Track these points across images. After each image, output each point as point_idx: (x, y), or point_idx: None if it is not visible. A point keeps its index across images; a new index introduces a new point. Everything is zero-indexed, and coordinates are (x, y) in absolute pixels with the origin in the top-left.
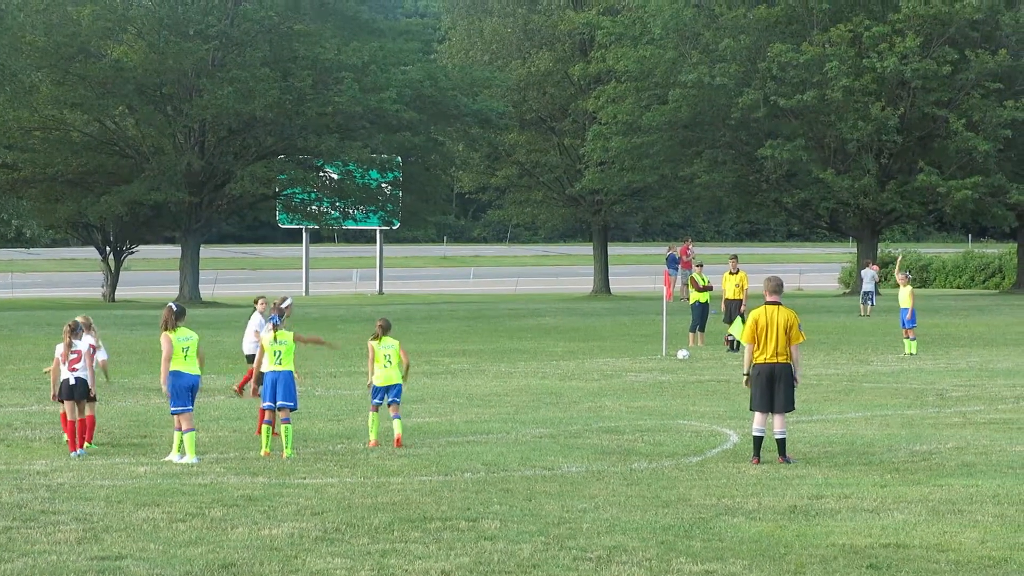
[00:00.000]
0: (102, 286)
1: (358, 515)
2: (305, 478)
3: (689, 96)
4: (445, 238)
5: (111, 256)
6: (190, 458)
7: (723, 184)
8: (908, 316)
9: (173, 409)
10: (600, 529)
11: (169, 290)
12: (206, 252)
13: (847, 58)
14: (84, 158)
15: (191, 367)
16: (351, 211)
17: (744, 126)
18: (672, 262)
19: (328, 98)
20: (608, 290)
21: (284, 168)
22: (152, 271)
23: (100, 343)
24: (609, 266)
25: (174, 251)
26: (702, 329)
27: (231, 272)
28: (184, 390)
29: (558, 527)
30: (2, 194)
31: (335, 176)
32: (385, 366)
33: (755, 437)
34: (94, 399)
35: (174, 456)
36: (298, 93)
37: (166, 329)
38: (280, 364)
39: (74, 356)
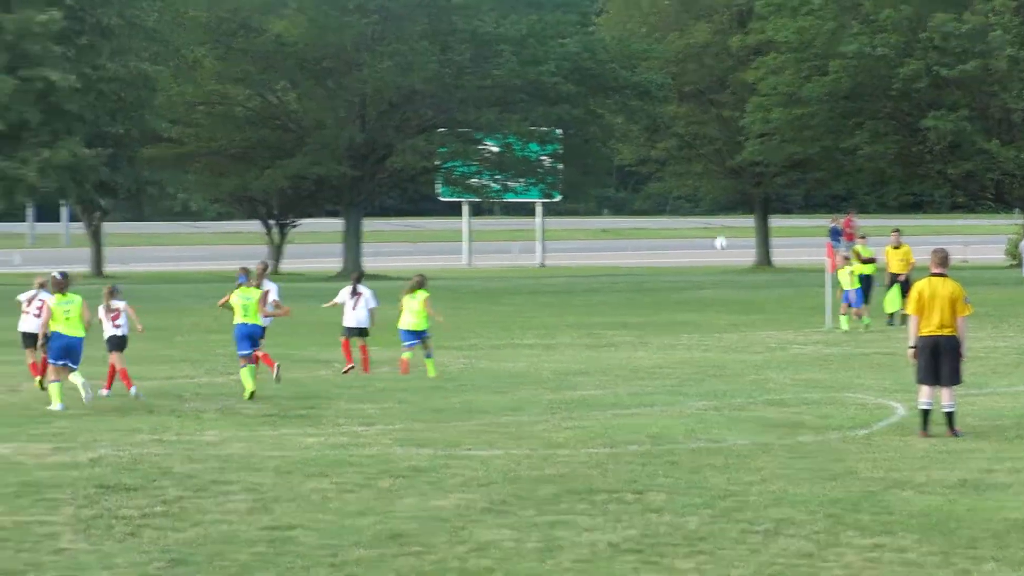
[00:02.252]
0: (267, 258)
1: (525, 487)
2: (471, 449)
3: (850, 67)
4: (605, 210)
5: (275, 229)
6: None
7: (885, 155)
8: None
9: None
10: (767, 502)
11: (332, 262)
12: (368, 225)
13: (1012, 26)
14: (247, 132)
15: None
16: (511, 183)
17: (906, 97)
18: (835, 234)
19: (487, 71)
20: (769, 262)
21: (444, 141)
22: (316, 244)
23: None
24: (770, 238)
25: (337, 224)
26: (867, 302)
27: (393, 245)
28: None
29: (724, 499)
30: (168, 168)
31: (495, 149)
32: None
33: (922, 410)
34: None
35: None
36: (457, 66)
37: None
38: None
39: (113, 314)
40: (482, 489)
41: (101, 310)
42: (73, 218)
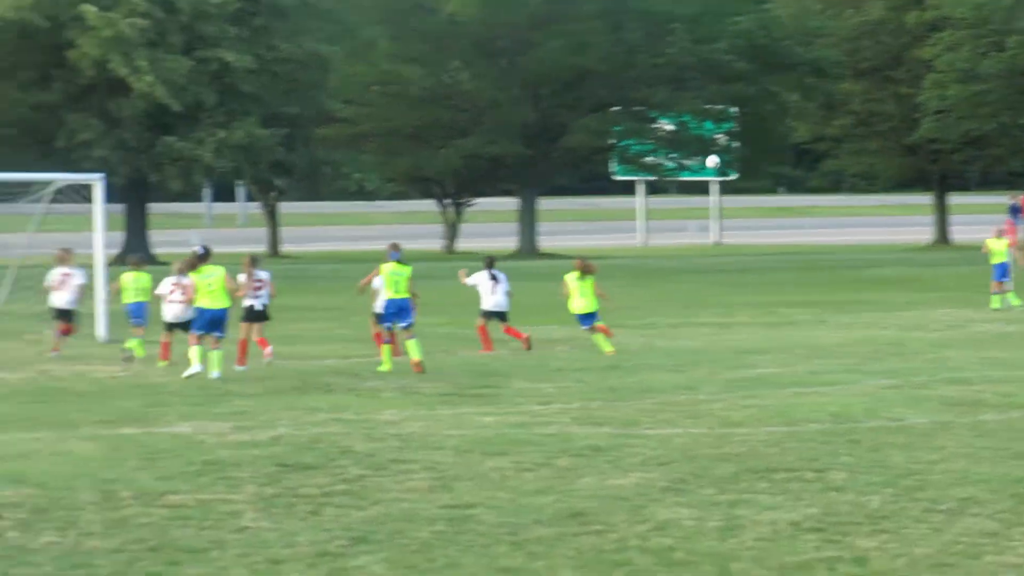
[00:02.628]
0: (442, 238)
1: (703, 465)
2: (649, 428)
3: None
4: (781, 188)
5: (450, 208)
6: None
7: None
8: None
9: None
10: (950, 481)
11: (507, 242)
12: (543, 204)
13: None
14: (421, 112)
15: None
16: (686, 162)
17: None
18: (1015, 211)
19: (660, 49)
20: (946, 240)
21: (618, 120)
22: (490, 223)
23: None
24: (948, 216)
25: (512, 203)
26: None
27: (568, 224)
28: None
29: (907, 478)
30: (343, 148)
31: (669, 127)
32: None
33: None
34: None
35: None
36: (629, 45)
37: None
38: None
39: (257, 284)
40: (661, 468)
41: (242, 278)
42: (249, 198)
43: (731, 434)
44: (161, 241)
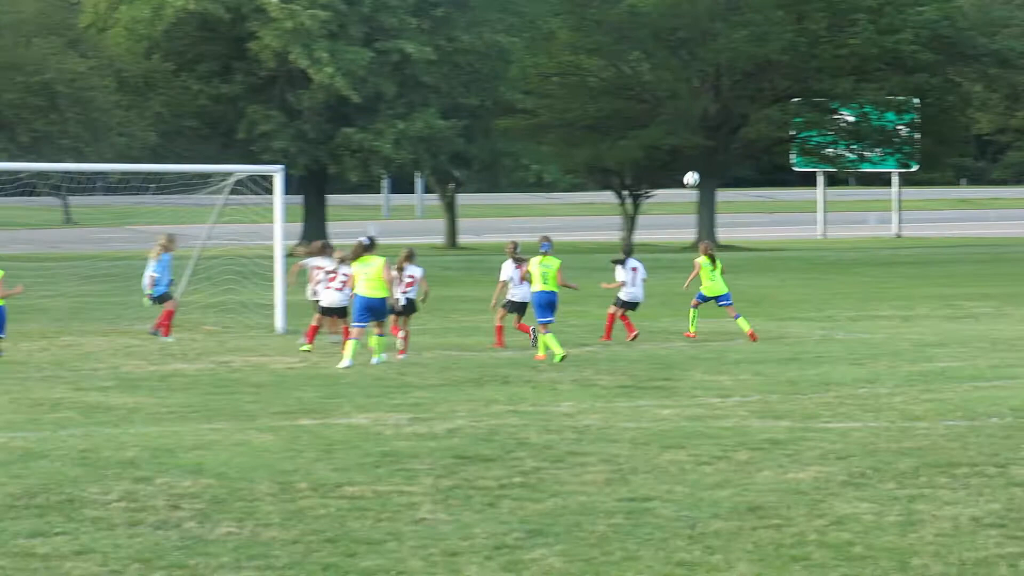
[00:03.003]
0: (619, 229)
1: (884, 460)
2: (828, 422)
3: None
4: (963, 180)
5: (628, 200)
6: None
7: None
8: None
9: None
10: None
11: (685, 234)
12: (722, 196)
13: None
14: (601, 103)
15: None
16: (867, 153)
17: None
18: None
19: (843, 40)
20: None
21: (799, 111)
22: (669, 215)
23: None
24: None
25: (690, 195)
26: None
27: (746, 215)
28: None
29: None
30: (522, 139)
31: (850, 119)
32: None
33: None
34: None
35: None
36: (812, 36)
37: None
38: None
39: (408, 280)
40: (840, 462)
41: (393, 274)
42: (427, 190)
43: (911, 428)
44: (339, 232)
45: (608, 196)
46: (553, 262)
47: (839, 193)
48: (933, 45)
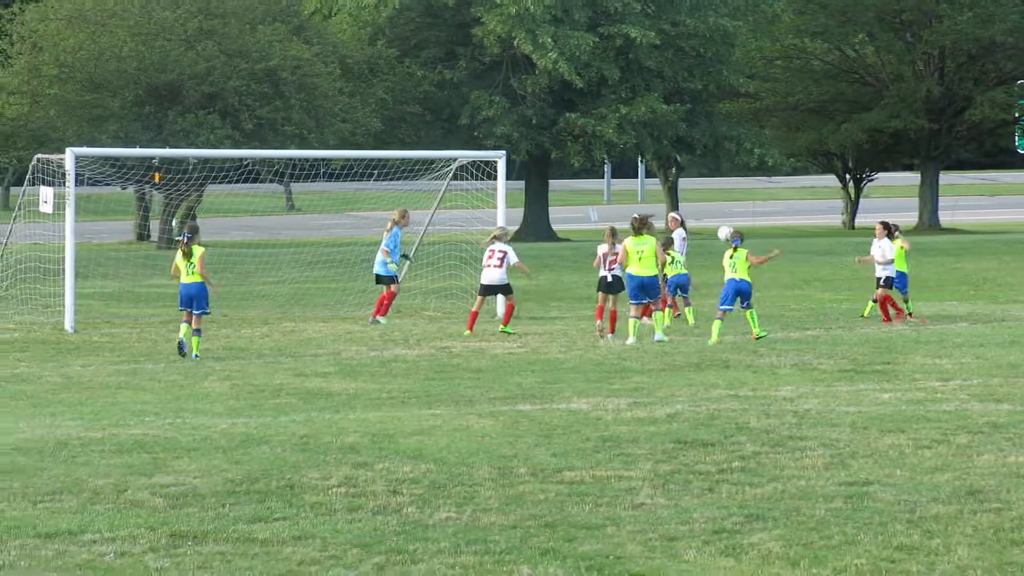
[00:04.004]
0: (842, 213)
1: None
2: None
3: None
4: None
5: (851, 183)
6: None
7: None
8: None
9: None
10: None
11: (907, 217)
12: (944, 179)
13: None
14: (824, 86)
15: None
16: None
17: None
18: None
19: None
20: None
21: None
22: (891, 198)
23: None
24: None
25: (913, 178)
26: None
27: (969, 199)
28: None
29: None
30: (745, 123)
31: None
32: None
33: None
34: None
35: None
36: None
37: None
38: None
39: (613, 257)
40: None
41: (603, 249)
42: (648, 174)
43: None
44: (560, 218)
45: (830, 179)
46: (740, 253)
47: None
48: None
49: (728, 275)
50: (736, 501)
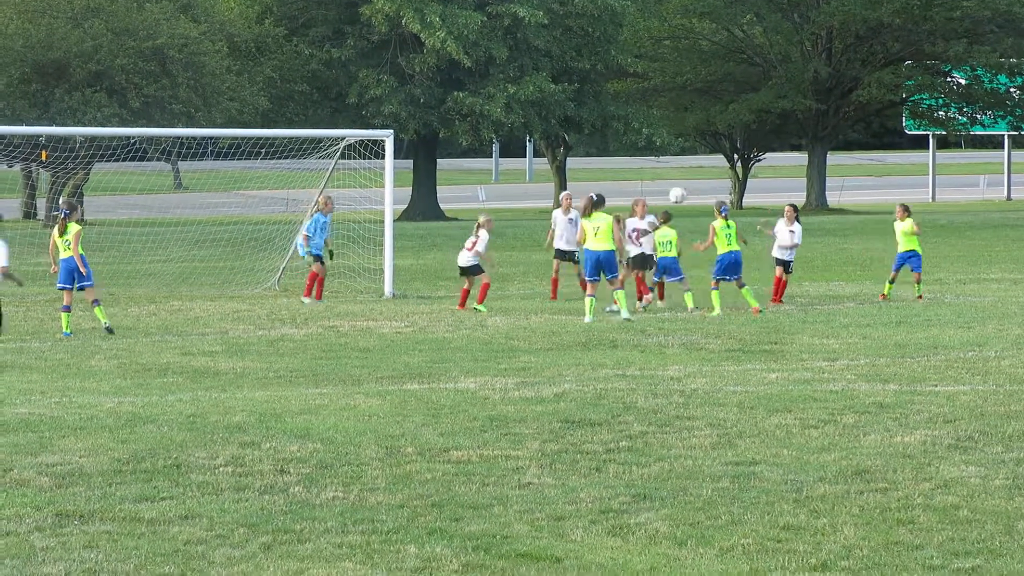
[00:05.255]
0: (729, 193)
1: (991, 423)
2: (936, 385)
3: None
4: None
5: (739, 164)
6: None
7: None
8: None
9: None
10: None
11: (794, 197)
12: (832, 159)
13: None
14: (712, 67)
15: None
16: (978, 116)
17: None
18: None
19: (956, 2)
20: None
21: (911, 74)
22: (778, 178)
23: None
24: None
25: (800, 158)
26: None
27: (857, 179)
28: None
29: None
30: (633, 103)
31: (962, 81)
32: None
33: None
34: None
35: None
36: None
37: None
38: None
39: (635, 232)
40: (948, 425)
41: (631, 223)
42: (536, 154)
43: (1019, 392)
44: (449, 196)
45: (718, 160)
46: (731, 224)
47: (950, 156)
48: None
49: (723, 247)
50: (623, 481)
